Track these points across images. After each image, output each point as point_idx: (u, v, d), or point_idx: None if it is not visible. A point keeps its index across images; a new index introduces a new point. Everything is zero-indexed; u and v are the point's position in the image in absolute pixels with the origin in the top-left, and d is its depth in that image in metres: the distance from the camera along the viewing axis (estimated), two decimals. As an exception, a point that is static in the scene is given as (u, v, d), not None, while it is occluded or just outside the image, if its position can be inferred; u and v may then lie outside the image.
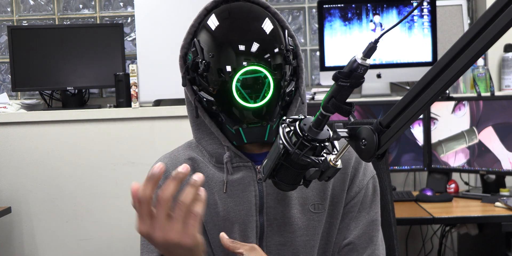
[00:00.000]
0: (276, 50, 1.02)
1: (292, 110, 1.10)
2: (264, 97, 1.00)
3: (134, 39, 2.81)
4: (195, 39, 1.05)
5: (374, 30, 2.57)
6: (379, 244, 1.11)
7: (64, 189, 2.58)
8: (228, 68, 0.99)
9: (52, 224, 2.59)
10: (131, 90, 2.57)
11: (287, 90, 1.04)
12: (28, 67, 2.68)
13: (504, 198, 2.19)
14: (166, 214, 0.77)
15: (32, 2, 2.97)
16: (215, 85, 1.01)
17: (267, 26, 1.03)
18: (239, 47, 1.00)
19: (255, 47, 1.00)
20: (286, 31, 1.07)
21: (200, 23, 1.07)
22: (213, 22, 1.04)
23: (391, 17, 2.55)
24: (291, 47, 1.05)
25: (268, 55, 1.01)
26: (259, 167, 1.08)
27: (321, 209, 1.09)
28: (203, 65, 1.01)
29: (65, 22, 2.97)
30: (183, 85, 1.07)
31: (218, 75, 1.00)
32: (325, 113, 0.81)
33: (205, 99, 1.04)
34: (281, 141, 0.85)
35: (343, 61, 2.50)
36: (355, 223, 1.11)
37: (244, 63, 0.99)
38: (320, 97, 2.60)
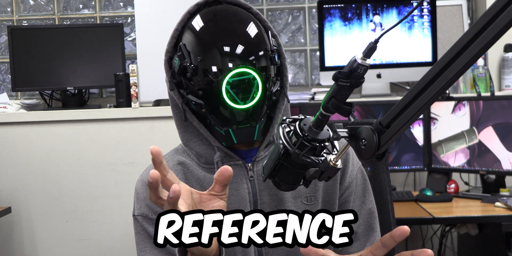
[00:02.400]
0: (262, 51, 1.04)
1: (280, 108, 1.11)
2: (253, 98, 1.02)
3: (134, 39, 2.81)
4: (181, 43, 1.06)
5: (374, 30, 2.57)
6: (379, 231, 1.15)
7: (64, 189, 2.58)
8: (217, 71, 1.00)
9: (52, 224, 2.59)
10: (131, 90, 2.56)
11: (274, 90, 1.06)
12: (28, 67, 2.68)
13: (504, 198, 2.19)
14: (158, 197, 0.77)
15: (32, 2, 2.97)
16: (204, 88, 1.02)
17: (252, 28, 1.05)
18: (227, 50, 1.01)
19: (242, 49, 1.01)
20: (269, 32, 1.09)
21: (183, 27, 1.08)
22: (199, 25, 1.05)
23: (391, 17, 2.55)
24: (275, 47, 1.07)
25: (255, 57, 1.03)
26: (249, 164, 1.10)
27: (313, 200, 1.11)
28: (191, 69, 1.02)
29: (65, 22, 2.97)
30: (171, 89, 1.08)
31: (207, 78, 1.01)
32: (325, 113, 0.81)
33: (193, 102, 1.05)
34: (281, 141, 0.85)
35: (343, 61, 2.50)
36: None
37: (232, 65, 1.00)
38: (320, 97, 2.60)
